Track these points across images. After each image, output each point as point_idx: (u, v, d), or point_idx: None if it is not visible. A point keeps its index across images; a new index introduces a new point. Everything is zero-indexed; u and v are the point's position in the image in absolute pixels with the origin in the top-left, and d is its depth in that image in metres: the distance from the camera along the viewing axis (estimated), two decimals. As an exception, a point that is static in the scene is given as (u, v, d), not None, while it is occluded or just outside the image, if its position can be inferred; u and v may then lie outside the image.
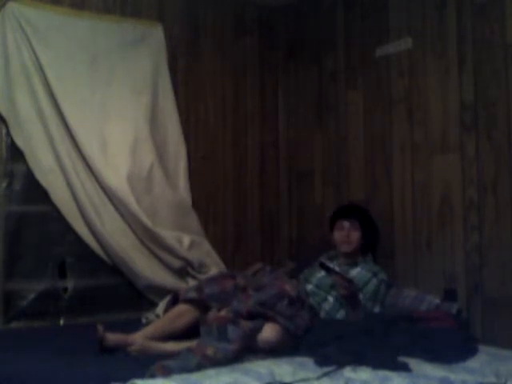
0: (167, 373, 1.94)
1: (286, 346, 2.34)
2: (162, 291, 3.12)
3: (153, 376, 1.92)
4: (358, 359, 2.09)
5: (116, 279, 3.19)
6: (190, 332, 2.50)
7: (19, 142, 2.99)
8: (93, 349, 2.33)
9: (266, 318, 2.38)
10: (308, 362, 2.14)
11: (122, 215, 3.13)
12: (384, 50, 3.15)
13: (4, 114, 2.98)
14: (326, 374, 1.97)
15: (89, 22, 3.18)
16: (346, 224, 3.00)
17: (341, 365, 2.04)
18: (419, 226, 2.92)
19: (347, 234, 2.98)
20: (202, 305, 2.59)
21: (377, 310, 2.81)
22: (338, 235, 3.01)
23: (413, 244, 2.95)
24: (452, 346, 2.24)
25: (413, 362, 2.09)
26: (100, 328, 2.34)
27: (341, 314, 2.76)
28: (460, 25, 2.77)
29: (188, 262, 3.22)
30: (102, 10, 3.25)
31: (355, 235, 2.99)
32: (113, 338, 2.35)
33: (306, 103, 3.69)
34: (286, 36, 3.86)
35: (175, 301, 2.71)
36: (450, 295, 2.69)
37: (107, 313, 3.14)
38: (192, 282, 3.15)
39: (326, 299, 2.81)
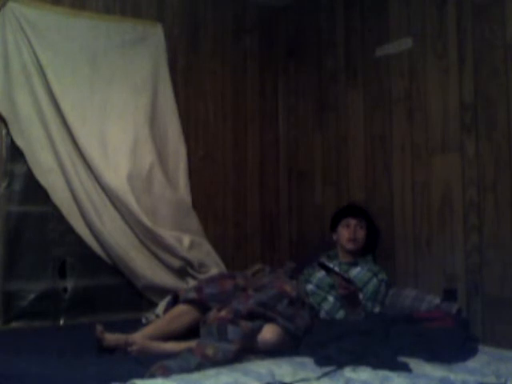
0: (167, 373, 1.94)
1: (285, 347, 2.34)
2: (161, 291, 3.13)
3: (153, 376, 1.92)
4: (358, 359, 2.09)
5: (116, 279, 3.19)
6: (190, 332, 2.50)
7: (19, 142, 3.00)
8: (93, 349, 2.32)
9: (266, 319, 2.38)
10: (308, 362, 2.14)
11: (122, 215, 3.13)
12: (384, 50, 3.15)
13: (4, 114, 2.98)
14: (325, 374, 1.96)
15: (89, 22, 3.18)
16: (354, 222, 3.01)
17: (341, 365, 2.04)
18: (419, 226, 2.92)
19: (354, 232, 2.99)
20: (201, 305, 2.58)
21: (377, 310, 2.80)
22: (344, 232, 3.01)
23: (413, 244, 2.95)
24: (452, 345, 2.23)
25: (413, 362, 2.08)
26: (99, 328, 2.33)
27: (341, 314, 2.77)
28: (460, 25, 2.77)
29: (188, 262, 3.22)
30: (101, 9, 3.25)
31: (362, 234, 3.00)
32: (112, 338, 2.35)
33: (306, 103, 3.68)
34: (285, 36, 3.85)
35: (175, 301, 2.71)
36: (449, 295, 2.69)
37: (107, 313, 3.15)
38: (192, 282, 3.15)
39: (325, 299, 2.81)
